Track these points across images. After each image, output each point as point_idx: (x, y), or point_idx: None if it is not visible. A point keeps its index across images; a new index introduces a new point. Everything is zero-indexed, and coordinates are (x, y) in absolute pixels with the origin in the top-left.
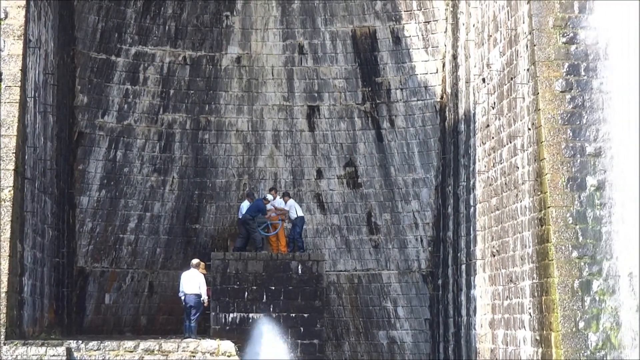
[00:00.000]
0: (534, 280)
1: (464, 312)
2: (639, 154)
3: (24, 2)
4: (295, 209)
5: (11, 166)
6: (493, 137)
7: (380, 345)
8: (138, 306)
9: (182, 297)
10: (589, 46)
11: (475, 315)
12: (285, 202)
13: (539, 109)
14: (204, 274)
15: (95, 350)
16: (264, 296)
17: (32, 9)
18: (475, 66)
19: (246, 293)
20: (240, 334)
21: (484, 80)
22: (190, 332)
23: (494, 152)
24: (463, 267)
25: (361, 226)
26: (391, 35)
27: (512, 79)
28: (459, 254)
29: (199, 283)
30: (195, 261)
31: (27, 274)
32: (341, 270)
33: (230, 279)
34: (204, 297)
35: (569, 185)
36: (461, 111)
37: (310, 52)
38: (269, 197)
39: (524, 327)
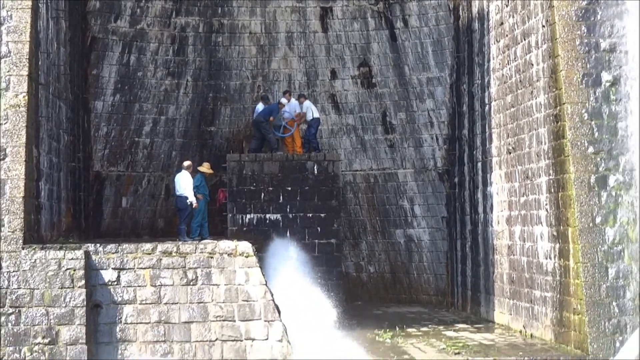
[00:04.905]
0: (550, 177)
1: (480, 209)
2: None
3: None
4: (311, 110)
5: (25, 72)
6: (507, 35)
7: (398, 243)
8: (155, 209)
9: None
10: None
11: (492, 212)
12: (301, 104)
13: (553, 6)
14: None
15: (113, 253)
16: (281, 197)
17: None
18: None
19: (262, 194)
20: (258, 235)
21: None
22: (180, 235)
23: (508, 49)
24: (479, 164)
25: (376, 126)
26: None
27: None
28: (474, 152)
29: (186, 185)
30: (186, 163)
31: (44, 178)
32: (357, 170)
33: (246, 180)
34: (191, 199)
35: (584, 82)
36: (475, 9)
37: None
38: (284, 100)
39: (541, 223)
